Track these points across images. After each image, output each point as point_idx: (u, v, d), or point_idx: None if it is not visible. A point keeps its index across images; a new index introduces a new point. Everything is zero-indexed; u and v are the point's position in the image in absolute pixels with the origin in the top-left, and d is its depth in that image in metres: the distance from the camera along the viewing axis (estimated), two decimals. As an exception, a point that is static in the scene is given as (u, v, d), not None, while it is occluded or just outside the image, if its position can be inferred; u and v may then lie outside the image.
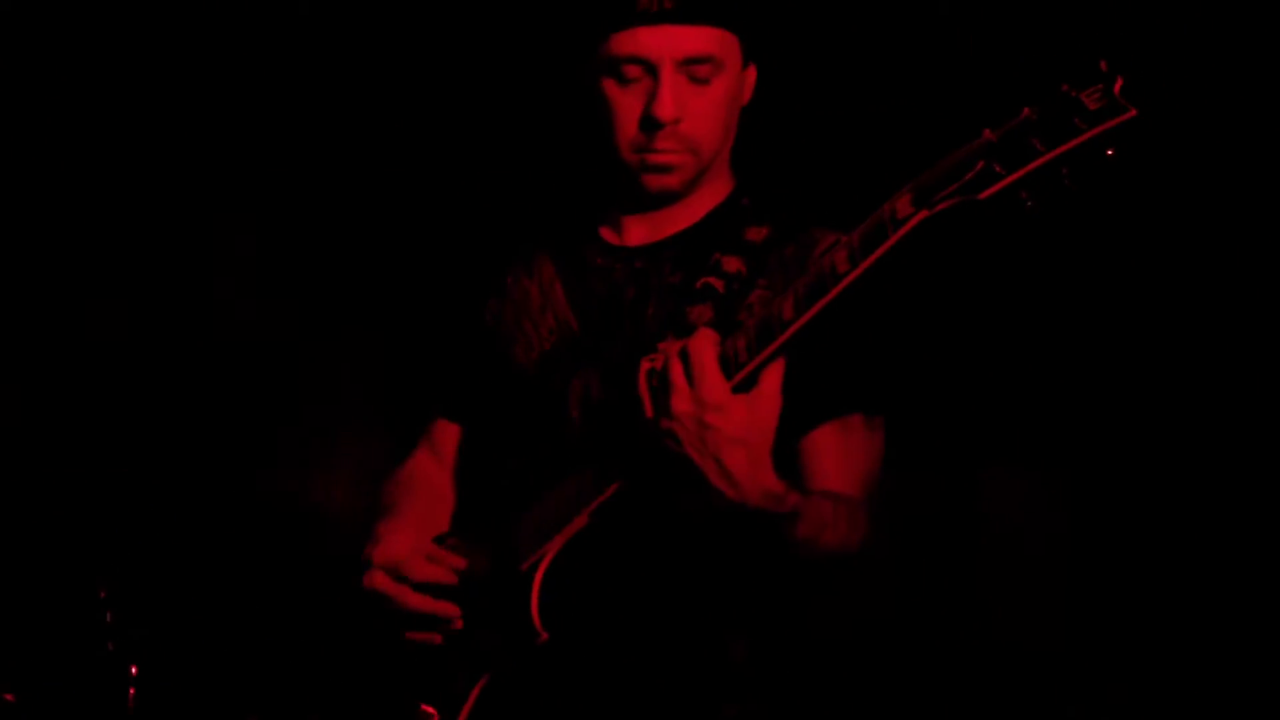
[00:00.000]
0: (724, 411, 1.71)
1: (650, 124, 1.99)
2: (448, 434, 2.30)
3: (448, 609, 2.02)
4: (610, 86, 2.02)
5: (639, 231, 2.12)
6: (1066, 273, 3.11)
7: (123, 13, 3.43)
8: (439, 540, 2.12)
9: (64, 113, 3.46)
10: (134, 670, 2.93)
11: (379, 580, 2.05)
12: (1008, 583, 3.26)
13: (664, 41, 1.97)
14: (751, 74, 2.10)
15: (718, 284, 2.03)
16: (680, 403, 1.72)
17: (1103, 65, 1.56)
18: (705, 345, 1.74)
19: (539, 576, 1.93)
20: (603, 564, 1.96)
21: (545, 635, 1.91)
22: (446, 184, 3.56)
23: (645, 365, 1.81)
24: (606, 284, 2.09)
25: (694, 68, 1.98)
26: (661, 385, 1.76)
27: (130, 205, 3.52)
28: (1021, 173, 1.59)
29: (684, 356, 1.74)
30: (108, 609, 2.94)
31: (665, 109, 1.97)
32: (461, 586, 2.03)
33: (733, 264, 2.04)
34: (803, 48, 3.08)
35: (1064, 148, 1.57)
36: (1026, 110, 1.59)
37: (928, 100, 3.05)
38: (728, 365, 1.74)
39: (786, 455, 1.89)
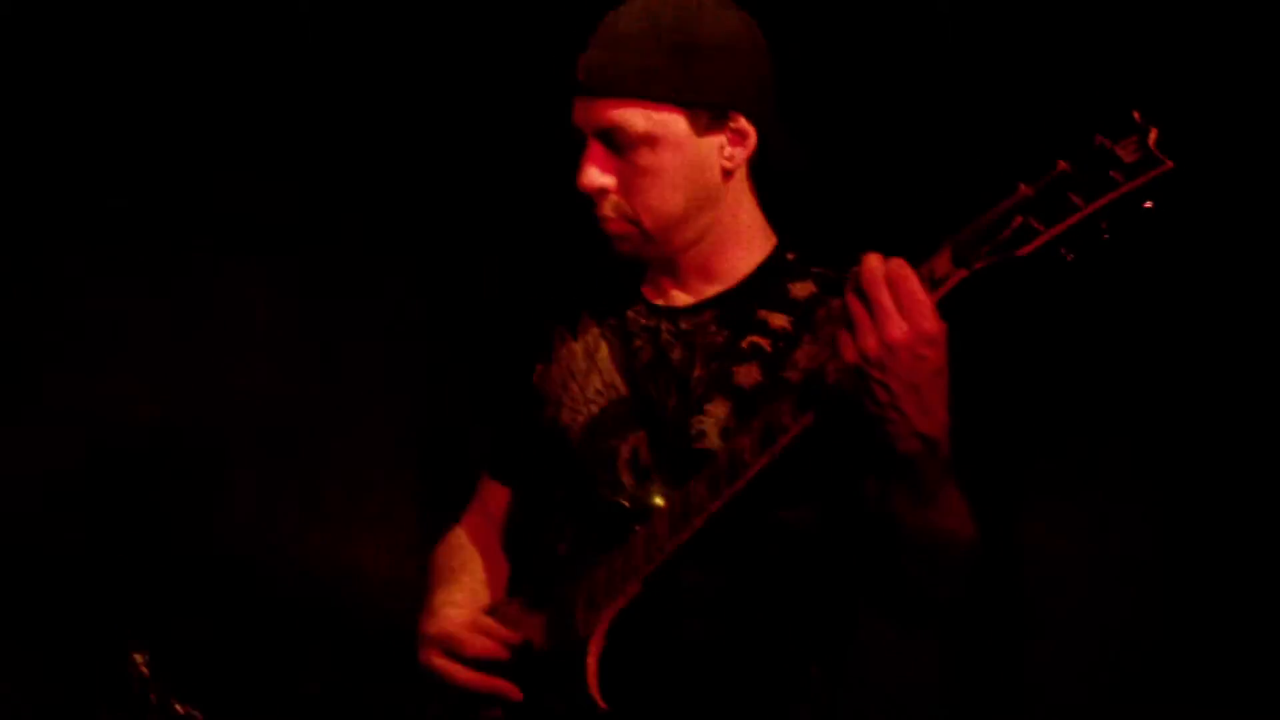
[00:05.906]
0: (937, 344, 1.67)
1: (581, 193, 2.03)
2: (497, 497, 2.30)
3: (501, 686, 2.01)
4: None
5: (682, 292, 2.10)
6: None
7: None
8: (493, 610, 2.11)
9: (59, 148, 3.47)
10: None
11: (434, 657, 2.04)
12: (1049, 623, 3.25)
13: (583, 114, 2.01)
14: (729, 140, 2.01)
15: (764, 342, 2.01)
16: (894, 331, 1.66)
17: (1136, 116, 1.55)
18: (908, 273, 1.67)
19: (593, 647, 1.92)
20: (658, 632, 1.94)
21: (604, 707, 1.90)
22: (492, 248, 3.57)
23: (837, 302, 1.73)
24: (652, 345, 2.08)
25: (613, 138, 1.99)
26: (861, 314, 1.68)
27: (161, 248, 3.54)
28: (1062, 228, 1.58)
29: (891, 285, 1.67)
30: (142, 680, 2.94)
31: (581, 177, 2.01)
32: (518, 657, 2.02)
33: (778, 320, 2.03)
34: (838, 102, 3.09)
35: (1103, 201, 1.56)
36: (1062, 163, 1.58)
37: (962, 148, 3.04)
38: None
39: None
